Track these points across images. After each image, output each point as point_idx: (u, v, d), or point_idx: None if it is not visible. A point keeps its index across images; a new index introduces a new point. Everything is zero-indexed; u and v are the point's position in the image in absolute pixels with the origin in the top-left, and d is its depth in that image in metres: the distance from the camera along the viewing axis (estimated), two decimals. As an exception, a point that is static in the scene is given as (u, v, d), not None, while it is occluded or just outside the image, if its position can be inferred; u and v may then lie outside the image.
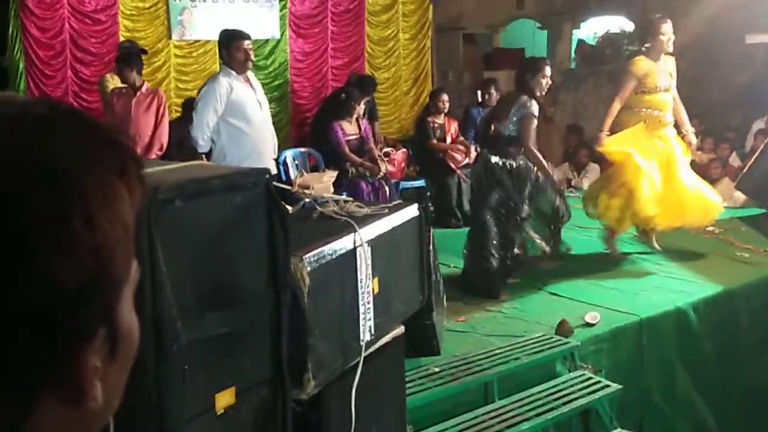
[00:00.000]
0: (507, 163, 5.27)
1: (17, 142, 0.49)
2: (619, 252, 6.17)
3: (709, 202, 6.03)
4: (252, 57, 5.02)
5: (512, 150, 5.28)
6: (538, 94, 5.35)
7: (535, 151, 5.30)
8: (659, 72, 5.88)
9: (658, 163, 5.86)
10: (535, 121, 5.30)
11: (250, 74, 5.15)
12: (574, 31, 11.57)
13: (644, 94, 5.85)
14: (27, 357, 0.48)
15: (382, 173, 6.99)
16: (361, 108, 7.08)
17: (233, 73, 4.88)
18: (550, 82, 5.49)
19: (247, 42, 4.93)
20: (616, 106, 5.85)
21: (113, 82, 6.73)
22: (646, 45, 5.96)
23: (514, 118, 5.28)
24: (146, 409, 1.95)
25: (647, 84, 5.83)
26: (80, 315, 0.50)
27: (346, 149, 6.87)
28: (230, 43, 4.90)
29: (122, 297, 0.54)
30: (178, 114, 7.72)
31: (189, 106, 7.30)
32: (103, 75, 7.22)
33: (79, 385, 0.51)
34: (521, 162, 5.31)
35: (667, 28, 5.88)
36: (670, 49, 5.93)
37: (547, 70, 5.49)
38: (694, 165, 8.88)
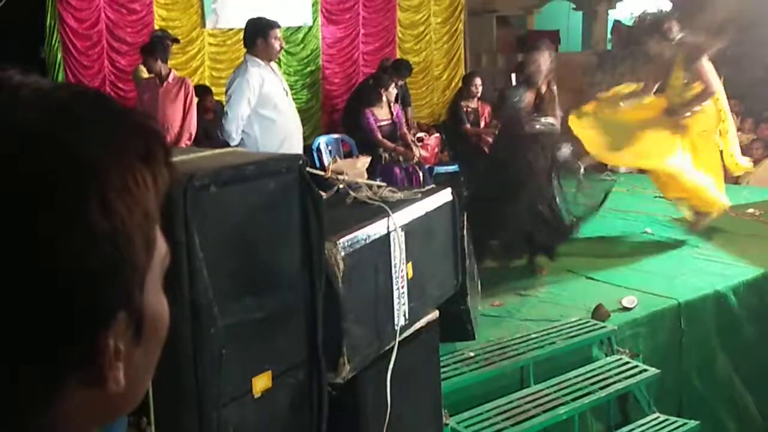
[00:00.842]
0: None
1: (38, 126, 0.49)
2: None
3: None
4: (284, 45, 5.01)
5: None
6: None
7: None
8: None
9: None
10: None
11: (273, 63, 5.15)
12: (610, 12, 11.39)
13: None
14: (47, 341, 0.49)
15: (416, 158, 6.98)
16: (392, 93, 7.04)
17: (261, 62, 4.85)
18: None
19: (277, 30, 4.91)
20: None
21: (146, 72, 6.80)
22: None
23: None
24: (185, 392, 1.99)
25: None
26: (97, 299, 0.50)
27: (379, 135, 6.86)
28: (268, 32, 4.86)
29: (145, 282, 0.54)
30: (217, 100, 7.76)
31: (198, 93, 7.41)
32: (136, 65, 7.30)
33: (100, 368, 0.52)
34: None
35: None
36: None
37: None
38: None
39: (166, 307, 0.58)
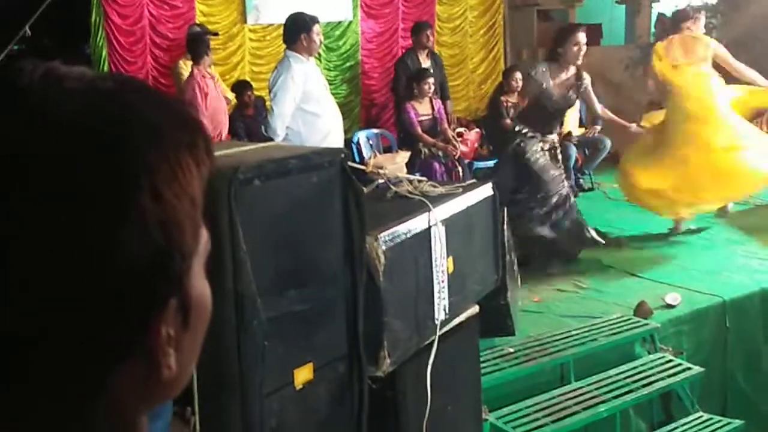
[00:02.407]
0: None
1: (87, 116, 0.50)
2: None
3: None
4: (323, 41, 5.03)
5: None
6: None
7: None
8: None
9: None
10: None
11: (311, 58, 5.17)
12: (654, 5, 11.19)
13: None
14: (102, 329, 0.49)
15: (457, 154, 6.96)
16: (430, 86, 6.98)
17: (303, 58, 4.86)
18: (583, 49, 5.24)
19: (317, 26, 4.94)
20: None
21: (186, 67, 6.85)
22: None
23: None
24: (228, 383, 2.01)
25: None
26: (151, 287, 0.51)
27: (419, 130, 6.85)
28: (311, 28, 4.88)
29: (192, 268, 0.55)
30: (257, 96, 7.81)
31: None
32: (176, 61, 7.37)
33: (153, 354, 0.53)
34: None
35: None
36: None
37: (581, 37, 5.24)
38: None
39: (209, 292, 0.59)
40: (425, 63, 7.50)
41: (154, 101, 0.54)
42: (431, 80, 7.03)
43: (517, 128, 5.33)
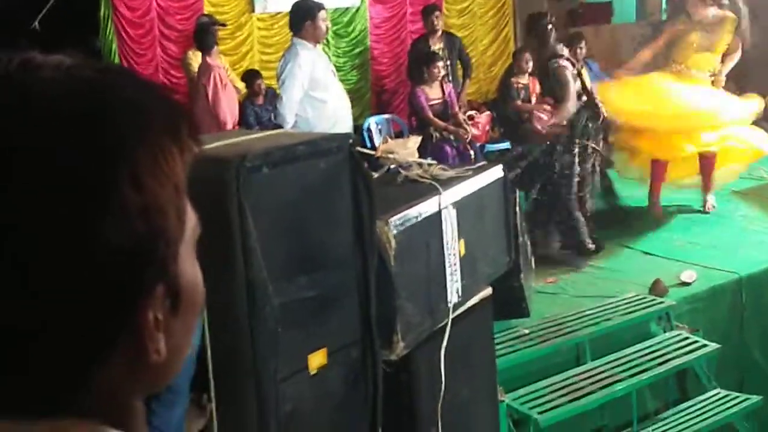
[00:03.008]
0: None
1: (67, 104, 0.50)
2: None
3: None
4: (330, 27, 5.00)
5: None
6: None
7: None
8: None
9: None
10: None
11: (319, 45, 5.16)
12: (665, -19, 11.06)
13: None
14: (88, 317, 0.50)
15: (468, 137, 6.94)
16: (439, 70, 6.96)
17: (309, 45, 4.86)
18: None
19: (323, 12, 4.92)
20: None
21: (195, 58, 6.86)
22: None
23: None
24: (243, 369, 2.03)
25: None
26: (135, 273, 0.51)
27: (430, 114, 6.83)
28: (316, 15, 4.86)
29: (179, 253, 0.55)
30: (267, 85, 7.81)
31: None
32: (185, 53, 7.37)
33: (141, 339, 0.53)
34: None
35: None
36: None
37: None
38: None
39: (200, 276, 0.59)
40: (436, 46, 7.46)
41: (134, 87, 0.54)
42: (440, 64, 6.99)
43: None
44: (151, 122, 0.53)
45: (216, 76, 6.03)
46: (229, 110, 6.06)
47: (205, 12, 8.10)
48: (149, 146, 0.52)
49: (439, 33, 7.64)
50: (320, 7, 4.91)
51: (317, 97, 4.84)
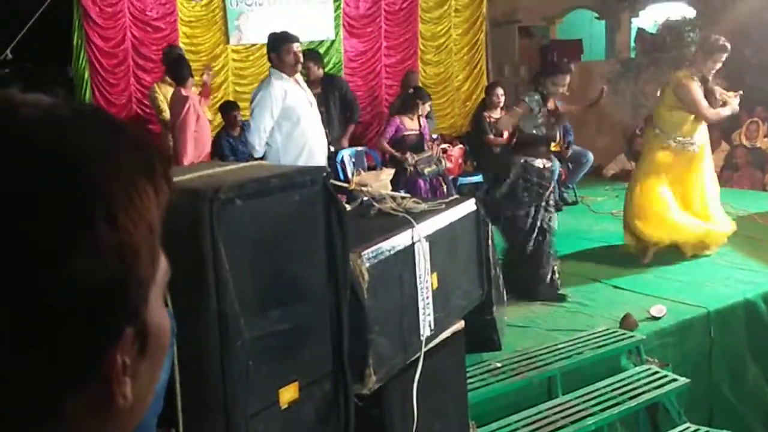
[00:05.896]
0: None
1: (41, 143, 0.49)
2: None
3: (713, 233, 5.76)
4: (301, 59, 5.00)
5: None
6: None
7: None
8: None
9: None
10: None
11: (298, 75, 5.17)
12: (633, 20, 11.33)
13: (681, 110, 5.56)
14: (55, 358, 0.48)
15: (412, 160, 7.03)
16: (426, 109, 7.14)
17: (284, 75, 4.89)
18: None
19: (296, 45, 4.92)
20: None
21: (161, 92, 6.84)
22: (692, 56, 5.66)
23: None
24: (213, 404, 2.00)
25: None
26: (106, 315, 0.50)
27: (385, 142, 6.89)
28: (280, 47, 4.92)
29: (150, 296, 0.54)
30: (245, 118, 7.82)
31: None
32: (151, 85, 7.33)
33: (108, 383, 0.52)
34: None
35: (723, 57, 5.49)
36: (710, 77, 5.58)
37: None
38: (760, 153, 8.64)
39: (168, 321, 0.58)
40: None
41: (109, 128, 0.54)
42: (428, 102, 7.20)
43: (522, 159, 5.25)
44: (126, 162, 0.52)
45: (191, 107, 6.02)
46: (203, 142, 6.05)
47: (180, 43, 8.12)
48: (124, 185, 0.51)
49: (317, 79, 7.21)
50: (286, 39, 4.93)
51: (287, 126, 4.87)
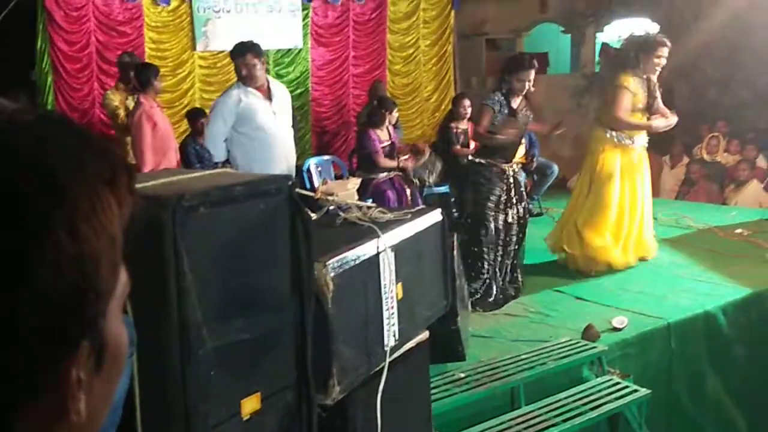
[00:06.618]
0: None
1: (4, 150, 0.49)
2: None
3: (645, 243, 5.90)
4: (254, 71, 4.95)
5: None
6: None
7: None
8: (642, 93, 5.66)
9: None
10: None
11: (275, 83, 5.18)
12: (598, 34, 11.50)
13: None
14: (8, 369, 0.47)
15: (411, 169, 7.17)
16: (394, 117, 7.24)
17: (245, 84, 4.95)
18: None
19: (248, 57, 4.90)
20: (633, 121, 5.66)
21: (115, 98, 6.72)
22: (638, 59, 5.65)
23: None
24: (173, 415, 1.97)
25: (633, 104, 5.63)
26: (63, 327, 0.49)
27: (382, 158, 6.97)
28: (233, 58, 5.02)
29: (108, 309, 0.53)
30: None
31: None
32: (106, 91, 7.17)
33: (62, 398, 0.50)
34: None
35: (664, 51, 5.61)
36: (655, 74, 5.69)
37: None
38: (719, 167, 8.81)
39: (125, 336, 0.57)
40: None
41: (74, 136, 0.53)
42: (395, 110, 7.27)
43: (477, 160, 5.34)
44: (89, 171, 0.52)
45: (144, 118, 5.90)
46: (162, 149, 5.95)
47: (147, 48, 8.04)
48: (87, 195, 0.50)
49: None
50: (238, 52, 4.96)
51: (243, 133, 4.93)
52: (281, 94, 5.15)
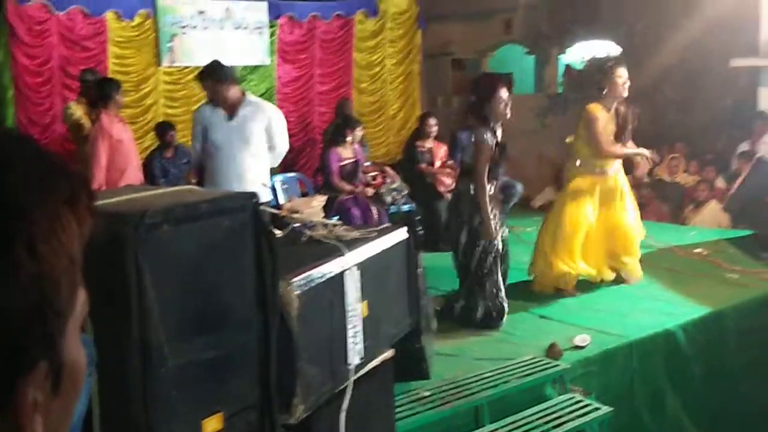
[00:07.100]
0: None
1: None
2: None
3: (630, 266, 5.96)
4: (218, 97, 5.03)
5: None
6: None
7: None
8: (611, 122, 5.69)
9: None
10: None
11: (252, 98, 5.22)
12: (561, 56, 11.68)
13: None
14: None
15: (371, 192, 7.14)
16: (357, 135, 7.24)
17: (212, 103, 5.10)
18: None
19: (208, 83, 5.03)
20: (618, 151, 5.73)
21: (77, 109, 6.62)
22: (601, 88, 5.68)
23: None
24: (133, 435, 1.94)
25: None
26: (20, 346, 0.48)
27: (337, 179, 6.95)
28: (204, 77, 5.11)
29: (66, 329, 0.52)
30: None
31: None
32: (67, 104, 7.04)
33: (18, 420, 0.49)
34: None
35: (622, 71, 5.64)
36: (625, 94, 5.69)
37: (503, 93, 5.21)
38: (679, 187, 8.98)
39: (84, 357, 0.56)
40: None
41: (33, 155, 0.52)
42: (359, 128, 7.29)
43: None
44: (48, 191, 0.51)
45: (101, 136, 5.81)
46: (118, 164, 5.85)
47: (110, 63, 7.96)
48: (47, 215, 0.50)
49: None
50: (207, 75, 5.08)
51: (206, 151, 5.11)
52: (255, 114, 5.09)
